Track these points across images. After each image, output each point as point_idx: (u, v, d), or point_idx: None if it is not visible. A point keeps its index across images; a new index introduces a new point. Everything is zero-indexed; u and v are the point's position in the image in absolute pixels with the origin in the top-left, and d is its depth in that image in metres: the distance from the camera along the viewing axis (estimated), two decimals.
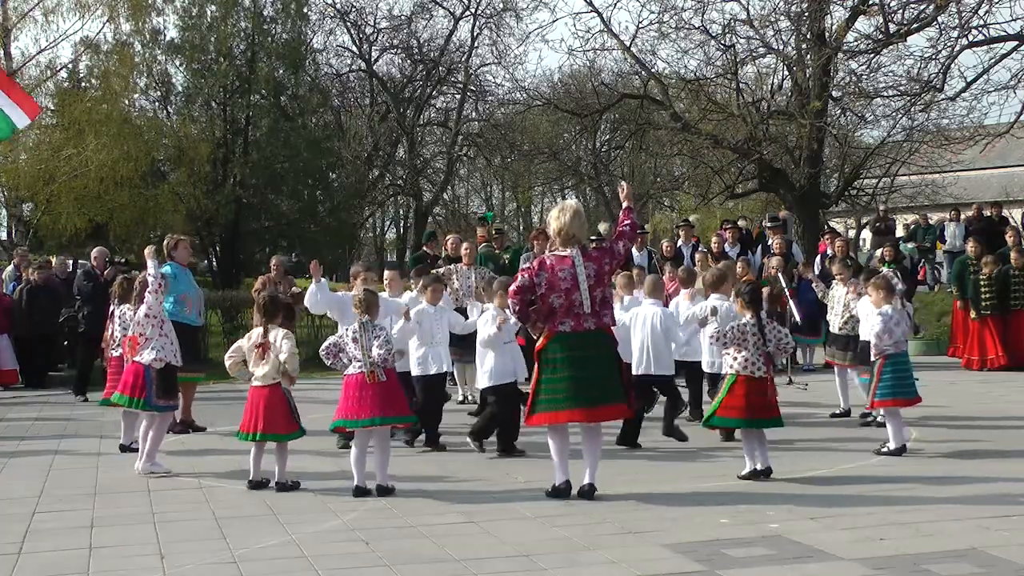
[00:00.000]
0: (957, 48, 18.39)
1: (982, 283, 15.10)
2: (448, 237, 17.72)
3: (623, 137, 34.57)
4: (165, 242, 10.52)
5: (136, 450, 9.02)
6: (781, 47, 20.40)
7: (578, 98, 28.92)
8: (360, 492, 7.13)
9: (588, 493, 6.88)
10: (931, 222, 23.42)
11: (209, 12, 33.37)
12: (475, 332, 9.68)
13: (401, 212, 46.22)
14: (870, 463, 8.14)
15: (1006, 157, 37.22)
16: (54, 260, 18.06)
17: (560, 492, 6.92)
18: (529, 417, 7.04)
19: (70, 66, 30.02)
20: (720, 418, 7.55)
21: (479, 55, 38.76)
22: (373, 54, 39.72)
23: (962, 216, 22.03)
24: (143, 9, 29.56)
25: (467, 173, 46.76)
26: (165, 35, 33.03)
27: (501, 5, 37.30)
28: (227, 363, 7.71)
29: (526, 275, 6.97)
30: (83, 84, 30.52)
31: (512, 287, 7.04)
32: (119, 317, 9.13)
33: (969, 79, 18.97)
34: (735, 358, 7.43)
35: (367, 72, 39.73)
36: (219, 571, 5.48)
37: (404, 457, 8.51)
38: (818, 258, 16.18)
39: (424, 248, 16.99)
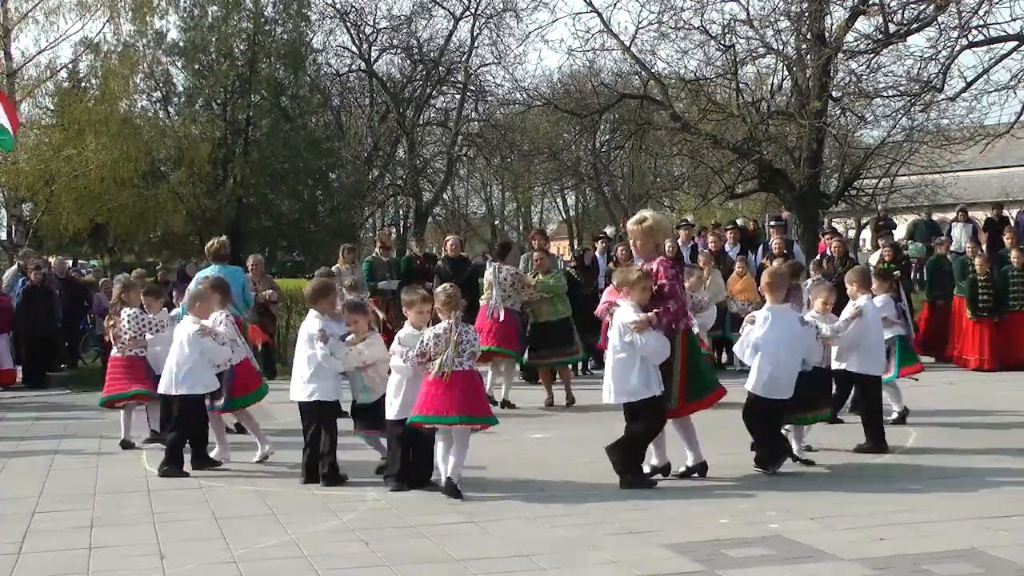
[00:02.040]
0: (957, 48, 18.37)
1: (980, 284, 15.09)
2: (448, 238, 17.74)
3: (623, 137, 34.57)
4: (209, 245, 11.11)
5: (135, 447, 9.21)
6: (781, 47, 20.39)
7: (578, 98, 28.90)
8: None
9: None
10: (934, 218, 23.40)
11: (211, 12, 33.41)
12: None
13: (401, 212, 46.25)
14: (870, 463, 8.15)
15: (1006, 157, 37.18)
16: (53, 260, 18.05)
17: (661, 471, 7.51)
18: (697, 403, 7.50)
19: (70, 66, 30.05)
20: None
21: (479, 55, 38.83)
22: (373, 54, 39.75)
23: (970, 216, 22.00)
24: (146, 9, 29.62)
25: (467, 173, 46.79)
26: (167, 36, 33.09)
27: (501, 5, 37.37)
28: None
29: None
30: (83, 84, 30.55)
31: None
32: (129, 319, 9.17)
33: (969, 79, 18.96)
34: None
35: (367, 72, 39.73)
36: (219, 571, 5.49)
37: None
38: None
39: (413, 248, 17.00)
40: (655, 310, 7.21)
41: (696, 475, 7.47)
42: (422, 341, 7.11)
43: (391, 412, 7.30)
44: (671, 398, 7.29)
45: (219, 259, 10.98)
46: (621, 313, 7.27)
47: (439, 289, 7.50)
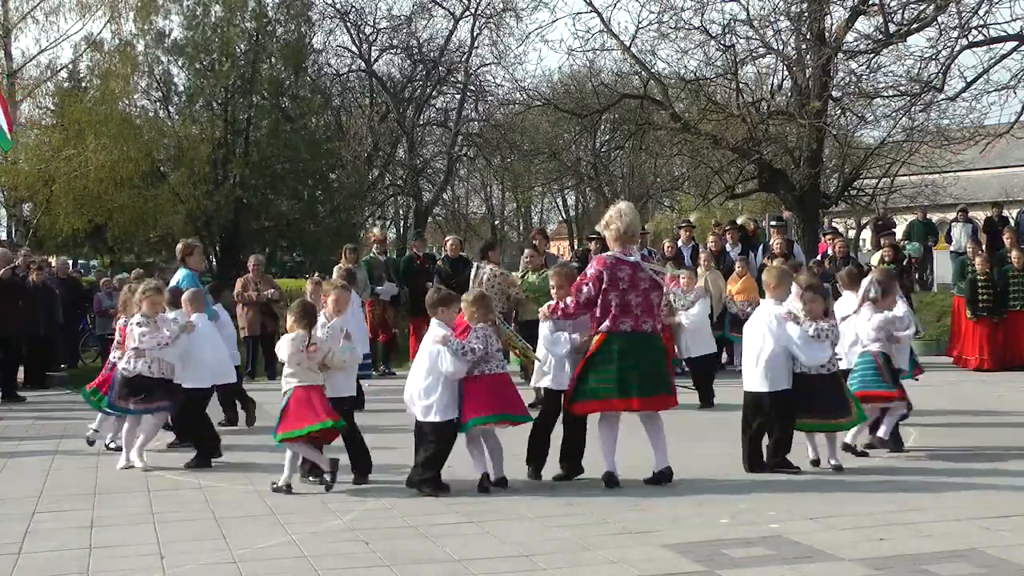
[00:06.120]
0: (957, 48, 18.37)
1: (980, 284, 15.08)
2: (447, 238, 17.77)
3: (623, 137, 34.50)
4: (179, 247, 10.93)
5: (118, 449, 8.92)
6: (781, 47, 20.38)
7: (578, 98, 28.91)
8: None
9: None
10: (932, 219, 23.43)
11: (214, 12, 33.36)
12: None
13: (401, 212, 46.24)
14: (870, 463, 8.15)
15: (1006, 157, 37.19)
16: (53, 261, 18.07)
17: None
18: (578, 404, 7.34)
19: (70, 66, 30.05)
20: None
21: (479, 55, 38.83)
22: (373, 54, 39.73)
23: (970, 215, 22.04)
24: (148, 9, 29.61)
25: (467, 173, 46.76)
26: (169, 35, 33.03)
27: (501, 5, 37.33)
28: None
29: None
30: (84, 84, 30.54)
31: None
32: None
33: (969, 79, 18.95)
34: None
35: (367, 72, 39.72)
36: (219, 571, 5.49)
37: (403, 456, 8.49)
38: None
39: (413, 248, 17.03)
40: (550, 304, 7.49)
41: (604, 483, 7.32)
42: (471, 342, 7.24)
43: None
44: (574, 396, 7.35)
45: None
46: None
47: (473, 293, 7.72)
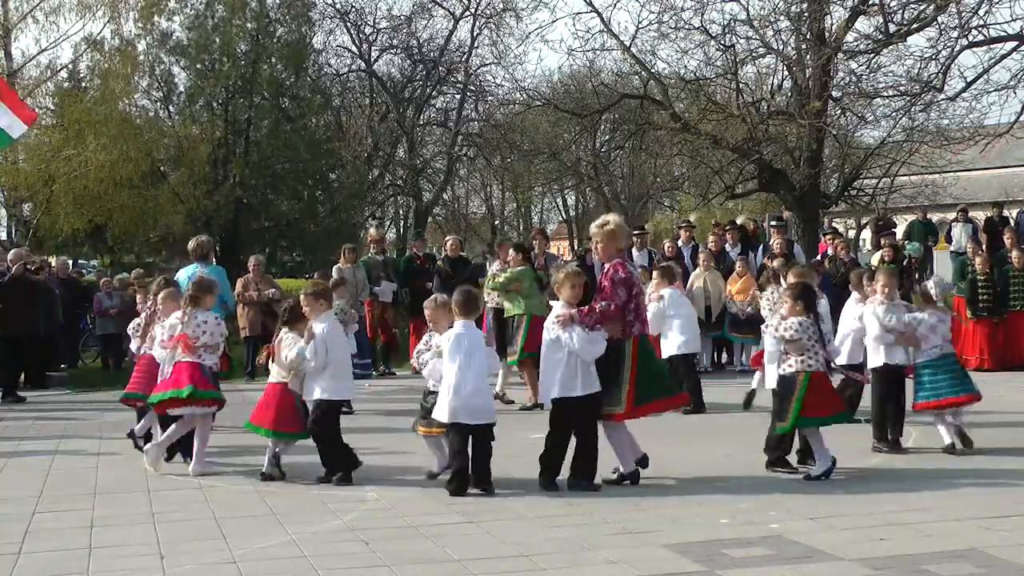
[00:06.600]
0: (957, 48, 18.36)
1: (980, 284, 15.08)
2: (447, 238, 17.77)
3: (623, 137, 34.45)
4: (203, 241, 11.15)
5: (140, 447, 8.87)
6: (781, 47, 20.37)
7: (578, 98, 28.91)
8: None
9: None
10: (932, 219, 23.45)
11: (216, 13, 33.36)
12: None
13: (401, 212, 46.24)
14: (870, 463, 8.15)
15: (1006, 157, 37.20)
16: (53, 261, 18.07)
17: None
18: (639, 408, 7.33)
19: (70, 66, 30.03)
20: (807, 419, 7.53)
21: (479, 55, 38.78)
22: (373, 54, 39.72)
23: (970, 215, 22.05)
24: (151, 9, 29.59)
25: (467, 173, 46.72)
26: (171, 36, 33.03)
27: (501, 5, 37.30)
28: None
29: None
30: (84, 84, 30.52)
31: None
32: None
33: (969, 79, 18.94)
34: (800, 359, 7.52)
35: (367, 72, 39.71)
36: (219, 571, 5.49)
37: (403, 456, 8.50)
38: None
39: (412, 248, 17.01)
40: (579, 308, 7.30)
41: (628, 482, 7.35)
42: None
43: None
44: (620, 402, 7.23)
45: (201, 259, 10.95)
46: (553, 311, 7.43)
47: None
